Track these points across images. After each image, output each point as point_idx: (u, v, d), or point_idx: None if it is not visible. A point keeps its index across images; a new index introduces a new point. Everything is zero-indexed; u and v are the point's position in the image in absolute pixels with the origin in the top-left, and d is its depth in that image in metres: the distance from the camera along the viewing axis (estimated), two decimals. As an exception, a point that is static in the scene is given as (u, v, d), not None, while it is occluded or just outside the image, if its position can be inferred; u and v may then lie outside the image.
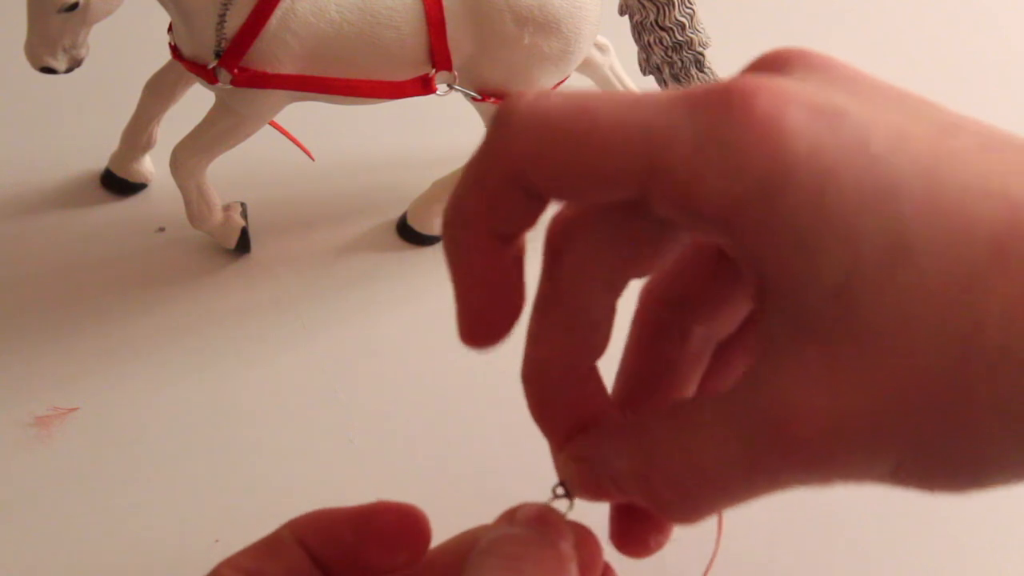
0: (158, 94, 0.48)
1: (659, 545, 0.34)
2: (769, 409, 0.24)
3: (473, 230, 0.28)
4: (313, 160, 0.50)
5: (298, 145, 0.49)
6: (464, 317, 0.29)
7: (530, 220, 0.28)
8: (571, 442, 0.30)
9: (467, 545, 0.33)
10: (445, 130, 0.53)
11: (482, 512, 0.42)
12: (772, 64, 0.27)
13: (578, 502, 0.31)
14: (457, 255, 0.28)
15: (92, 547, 0.41)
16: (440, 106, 0.46)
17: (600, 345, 0.29)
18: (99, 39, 0.42)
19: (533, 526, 0.31)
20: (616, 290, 0.29)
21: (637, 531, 0.34)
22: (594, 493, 0.30)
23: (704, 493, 0.26)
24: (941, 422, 0.23)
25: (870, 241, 0.23)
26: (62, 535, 0.41)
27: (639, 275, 0.29)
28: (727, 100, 0.23)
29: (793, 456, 0.24)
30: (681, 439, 0.26)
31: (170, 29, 0.43)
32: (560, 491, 0.31)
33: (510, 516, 0.32)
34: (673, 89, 0.45)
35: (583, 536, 0.31)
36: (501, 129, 0.25)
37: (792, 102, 0.23)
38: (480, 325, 0.30)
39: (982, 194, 0.23)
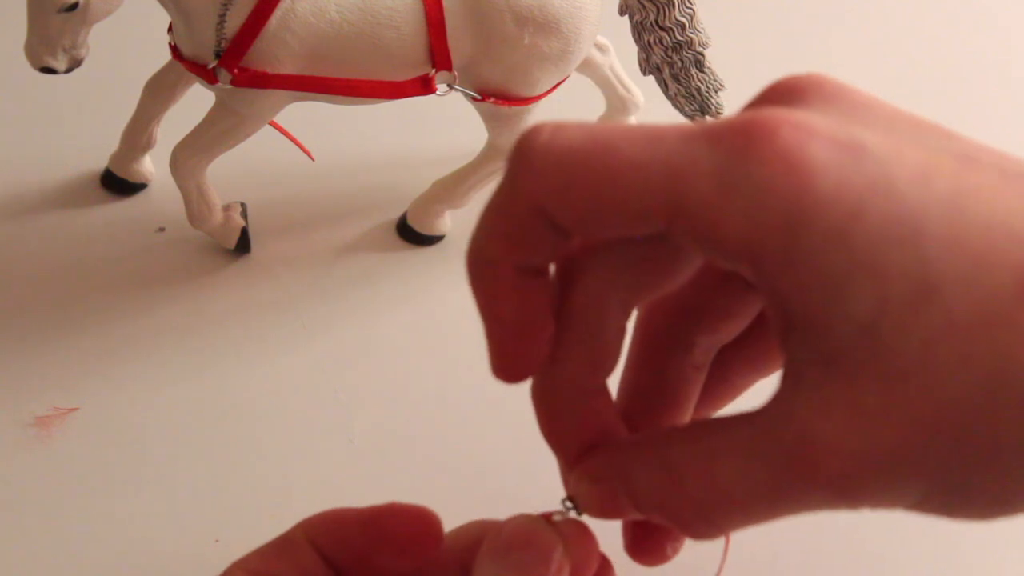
0: (158, 94, 0.48)
1: (676, 552, 0.34)
2: (795, 442, 0.25)
3: (498, 266, 0.28)
4: (313, 160, 0.50)
5: (298, 145, 0.49)
6: (495, 352, 0.29)
7: (554, 253, 0.28)
8: (585, 461, 0.30)
9: (471, 539, 0.33)
10: (445, 130, 0.53)
11: (482, 512, 0.42)
12: (786, 94, 0.27)
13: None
14: (483, 291, 0.28)
15: (92, 547, 0.41)
16: (440, 106, 0.46)
17: (611, 364, 0.30)
18: (99, 39, 0.42)
19: (522, 550, 0.30)
20: (628, 310, 0.29)
21: (653, 542, 0.34)
22: (609, 512, 0.30)
23: (727, 515, 0.27)
24: (967, 458, 0.24)
25: (897, 279, 0.23)
26: (62, 535, 0.41)
27: (652, 296, 0.30)
28: (748, 135, 0.23)
29: (818, 488, 0.25)
30: (705, 462, 0.26)
31: (170, 29, 0.43)
32: (569, 505, 0.31)
33: (499, 531, 0.31)
34: (674, 89, 0.46)
35: (575, 533, 0.31)
36: (522, 165, 0.25)
37: (814, 136, 0.24)
38: (511, 360, 0.30)
39: (1006, 234, 0.23)
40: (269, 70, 0.42)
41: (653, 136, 0.25)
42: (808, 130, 0.24)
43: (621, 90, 0.52)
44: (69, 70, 0.41)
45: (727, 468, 0.26)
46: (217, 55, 0.41)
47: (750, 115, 0.24)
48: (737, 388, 0.35)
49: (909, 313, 0.23)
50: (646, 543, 0.34)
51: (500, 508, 0.42)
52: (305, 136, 0.49)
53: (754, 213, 0.23)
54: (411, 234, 0.50)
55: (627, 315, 0.29)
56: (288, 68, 0.42)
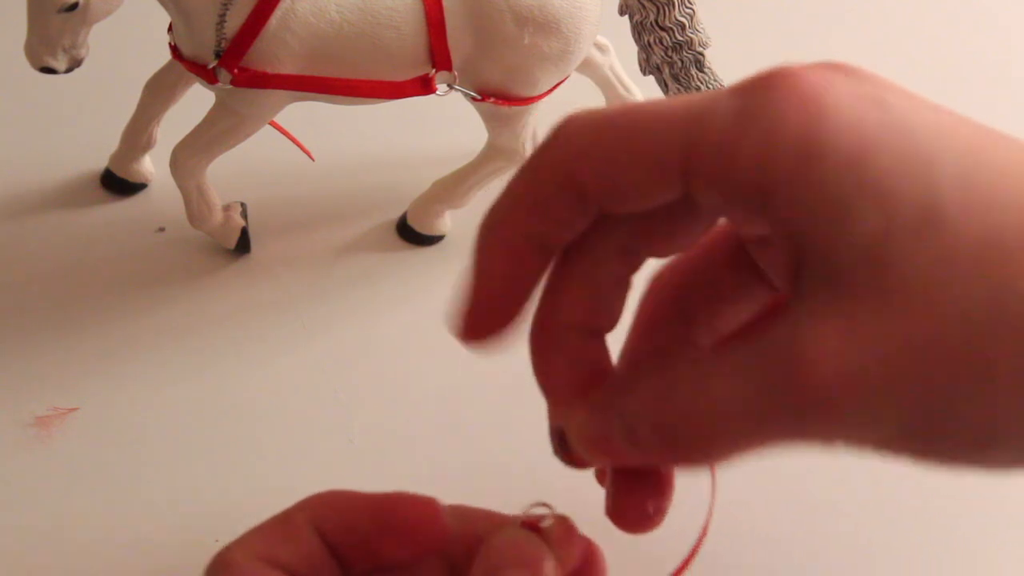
0: (158, 94, 0.48)
1: (659, 515, 0.34)
2: (789, 361, 0.25)
3: (511, 227, 0.29)
4: (313, 160, 0.50)
5: (298, 145, 0.49)
6: (472, 307, 0.30)
7: (572, 231, 0.29)
8: (581, 397, 0.30)
9: (469, 531, 0.32)
10: (445, 130, 0.53)
11: (481, 503, 0.42)
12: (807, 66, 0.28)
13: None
14: (486, 250, 0.29)
15: (92, 547, 0.41)
16: (440, 106, 0.46)
17: (611, 316, 0.30)
18: (99, 39, 0.42)
19: (513, 569, 0.30)
20: (632, 264, 0.30)
21: (635, 500, 0.34)
22: (601, 447, 0.30)
23: (718, 435, 0.27)
24: (957, 380, 0.24)
25: (904, 205, 0.24)
26: (62, 535, 0.41)
27: (657, 254, 0.30)
28: (769, 80, 0.25)
29: (806, 399, 0.25)
30: (700, 380, 0.27)
31: (170, 29, 0.43)
32: (540, 510, 0.31)
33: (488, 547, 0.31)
34: (674, 89, 0.45)
35: (560, 531, 0.31)
36: (556, 132, 0.27)
37: (835, 84, 0.25)
38: (481, 319, 0.30)
39: (1017, 180, 0.24)
40: (269, 70, 0.42)
41: (680, 98, 0.26)
42: (829, 79, 0.25)
43: (621, 90, 0.52)
44: (69, 70, 0.41)
45: (721, 385, 0.26)
46: (217, 55, 0.41)
47: (771, 69, 0.25)
48: None
49: (914, 237, 0.24)
50: (628, 502, 0.33)
51: (500, 508, 0.42)
52: (305, 136, 0.50)
53: (768, 141, 0.24)
54: (411, 234, 0.50)
55: (631, 268, 0.30)
56: (288, 68, 0.42)
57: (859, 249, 0.24)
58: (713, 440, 0.27)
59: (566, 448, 0.32)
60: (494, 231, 0.29)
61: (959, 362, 0.24)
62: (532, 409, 0.45)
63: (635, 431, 0.29)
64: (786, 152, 0.24)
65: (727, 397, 0.26)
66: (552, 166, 0.28)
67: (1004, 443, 0.25)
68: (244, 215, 0.49)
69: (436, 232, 0.50)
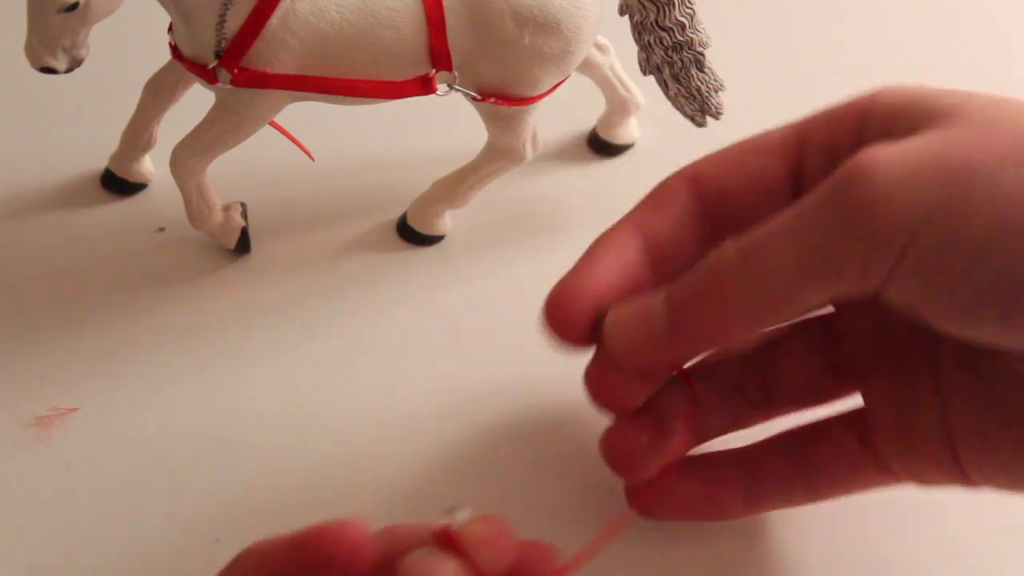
0: (158, 94, 0.48)
1: (654, 455, 0.36)
2: (850, 167, 0.29)
3: (626, 219, 0.36)
4: (313, 160, 0.50)
5: (298, 145, 0.49)
6: (564, 283, 0.35)
7: (682, 233, 0.35)
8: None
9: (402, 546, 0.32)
10: (445, 130, 0.53)
11: (482, 512, 0.42)
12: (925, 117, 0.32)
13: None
14: (603, 235, 0.36)
15: (92, 547, 0.41)
16: (440, 106, 0.46)
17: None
18: (99, 39, 0.42)
19: None
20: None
21: (633, 433, 0.36)
22: (637, 325, 0.34)
23: (769, 275, 0.30)
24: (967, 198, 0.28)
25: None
26: (62, 535, 0.41)
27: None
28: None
29: (867, 196, 0.28)
30: (757, 234, 0.31)
31: (170, 29, 0.43)
32: (459, 516, 0.31)
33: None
34: (674, 89, 0.46)
35: (480, 532, 0.31)
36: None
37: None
38: (571, 295, 0.35)
39: None
40: (269, 70, 0.42)
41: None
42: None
43: (621, 90, 0.52)
44: (69, 70, 0.41)
45: (777, 227, 0.30)
46: (217, 55, 0.41)
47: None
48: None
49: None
50: (624, 434, 0.37)
51: (500, 508, 0.42)
52: (305, 136, 0.49)
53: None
54: (411, 234, 0.50)
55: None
56: (288, 68, 0.42)
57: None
58: (764, 285, 0.30)
59: (597, 337, 0.35)
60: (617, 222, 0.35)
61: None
62: (533, 409, 0.45)
63: (674, 299, 0.32)
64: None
65: (781, 231, 0.30)
66: (681, 173, 0.36)
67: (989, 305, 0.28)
68: (244, 215, 0.49)
69: (436, 232, 0.50)
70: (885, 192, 0.28)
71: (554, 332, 0.36)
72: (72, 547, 0.41)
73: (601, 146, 0.54)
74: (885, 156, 0.28)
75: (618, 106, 0.52)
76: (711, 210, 0.36)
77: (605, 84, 0.52)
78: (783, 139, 0.35)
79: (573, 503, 0.42)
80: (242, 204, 0.49)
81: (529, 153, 0.48)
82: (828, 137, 0.34)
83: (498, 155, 0.47)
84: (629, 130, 0.54)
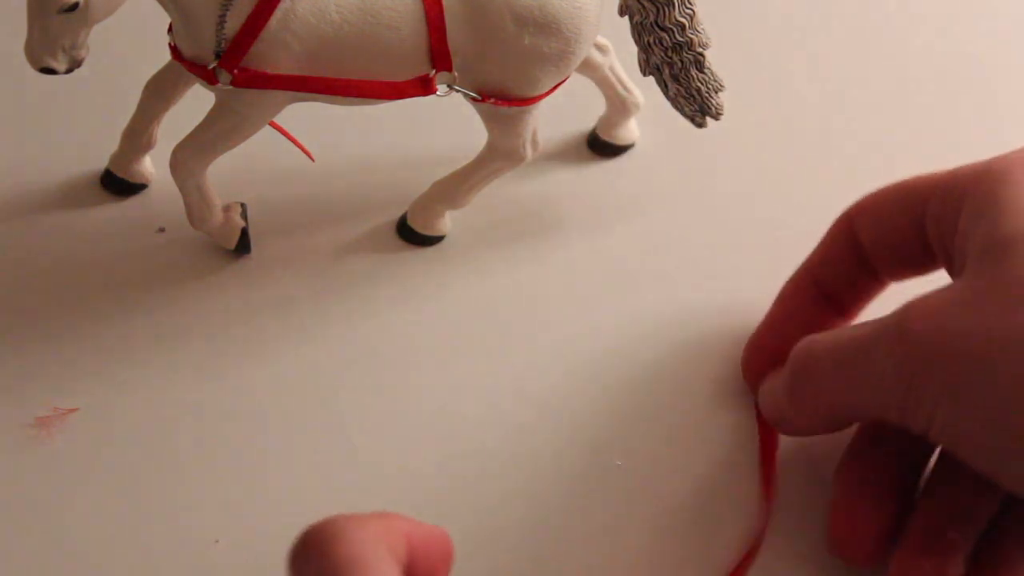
0: (158, 94, 0.48)
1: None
2: (903, 309, 0.36)
3: (803, 269, 0.44)
4: (313, 160, 0.50)
5: (298, 146, 0.49)
6: (754, 340, 0.45)
7: (855, 291, 0.43)
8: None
9: None
10: (445, 130, 0.53)
11: (481, 512, 0.42)
12: None
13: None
14: (785, 286, 0.45)
15: (92, 547, 0.41)
16: (440, 106, 0.46)
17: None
18: (100, 39, 0.42)
19: None
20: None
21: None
22: (766, 400, 0.43)
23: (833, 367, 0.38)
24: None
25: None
26: (62, 535, 0.41)
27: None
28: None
29: (904, 335, 0.35)
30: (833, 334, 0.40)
31: (170, 29, 0.43)
32: None
33: None
34: (674, 90, 0.47)
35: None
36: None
37: None
38: (760, 348, 0.45)
39: None
40: (269, 70, 0.42)
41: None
42: None
43: (621, 90, 0.52)
44: (69, 70, 0.41)
45: (849, 333, 0.39)
46: (217, 56, 0.41)
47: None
48: None
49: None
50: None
51: (499, 507, 0.43)
52: (304, 137, 0.49)
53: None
54: (411, 234, 0.50)
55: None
56: (288, 68, 0.42)
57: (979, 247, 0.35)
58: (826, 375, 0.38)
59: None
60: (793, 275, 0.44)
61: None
62: (532, 410, 0.45)
63: (786, 383, 0.40)
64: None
65: (848, 342, 0.37)
66: (839, 224, 0.43)
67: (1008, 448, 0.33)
68: (244, 215, 0.49)
69: (436, 232, 0.50)
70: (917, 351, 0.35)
71: (750, 384, 0.45)
72: (72, 547, 0.41)
73: (601, 146, 0.54)
74: (921, 314, 0.35)
75: (618, 106, 0.52)
76: (862, 244, 0.43)
77: (605, 84, 0.52)
78: (919, 197, 0.40)
79: (575, 504, 0.43)
80: (242, 205, 0.49)
81: (529, 154, 0.48)
82: (940, 210, 0.39)
83: (498, 156, 0.48)
84: (629, 130, 0.54)
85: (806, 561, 0.41)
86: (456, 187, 0.49)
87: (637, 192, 0.53)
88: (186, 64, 0.43)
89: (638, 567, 0.41)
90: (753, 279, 0.48)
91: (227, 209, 0.48)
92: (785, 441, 0.44)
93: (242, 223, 0.48)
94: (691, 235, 0.51)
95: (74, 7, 0.38)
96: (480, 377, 0.46)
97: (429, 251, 0.51)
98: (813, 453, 0.44)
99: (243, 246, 0.49)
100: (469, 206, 0.50)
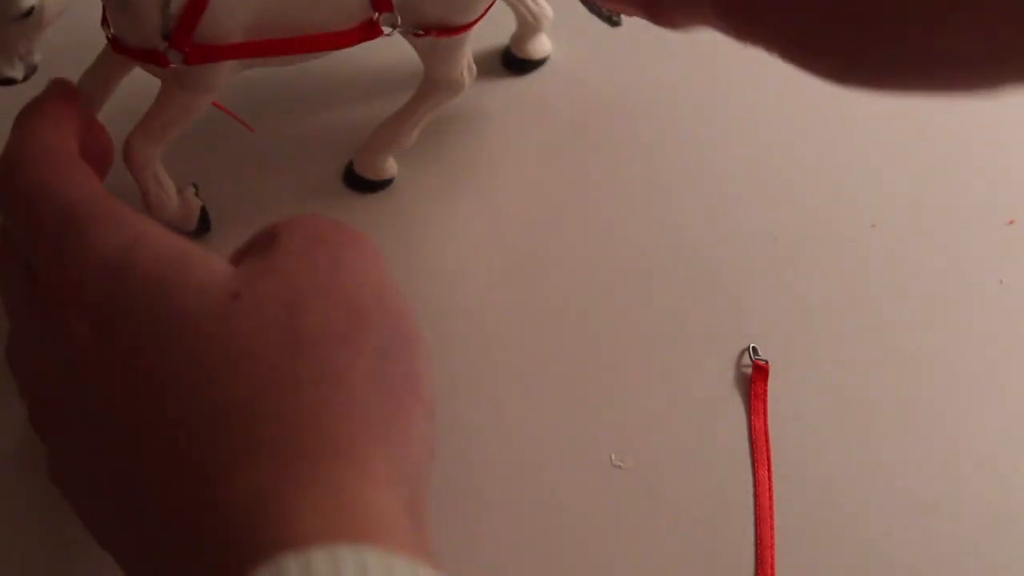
0: (93, 92, 0.46)
1: None
2: None
3: None
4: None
5: (237, 119, 0.49)
6: None
7: None
8: None
9: None
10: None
11: (479, 505, 0.43)
12: None
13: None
14: None
15: (92, 547, 0.41)
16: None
17: None
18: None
19: None
20: None
21: None
22: None
23: None
24: None
25: None
26: (62, 535, 0.42)
27: None
28: None
29: None
30: None
31: (104, 23, 0.43)
32: None
33: None
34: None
35: None
36: None
37: None
38: None
39: None
40: (220, 42, 0.42)
41: None
42: None
43: (531, 4, 0.53)
44: (26, 78, 0.40)
45: None
46: (166, 37, 0.41)
47: None
48: None
49: None
50: None
51: (498, 502, 0.44)
52: (238, 109, 0.50)
53: None
54: (361, 183, 0.51)
55: None
56: (237, 36, 0.42)
57: None
58: None
59: None
60: None
61: None
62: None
63: None
64: None
65: None
66: None
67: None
68: (197, 195, 0.49)
69: (385, 176, 0.51)
70: None
71: None
72: (72, 547, 0.41)
73: (516, 63, 0.56)
74: None
75: (530, 22, 0.54)
76: None
77: (515, 1, 0.53)
78: None
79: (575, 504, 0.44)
80: (193, 185, 0.49)
81: (467, 81, 0.49)
82: None
83: (438, 88, 0.49)
84: (542, 45, 0.55)
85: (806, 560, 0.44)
86: (399, 127, 0.50)
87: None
88: (132, 53, 0.42)
89: (638, 567, 0.43)
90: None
91: (181, 192, 0.48)
92: (785, 440, 0.46)
93: (199, 202, 0.49)
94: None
95: (29, 12, 0.38)
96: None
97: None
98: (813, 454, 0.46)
99: (204, 226, 0.49)
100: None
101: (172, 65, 0.42)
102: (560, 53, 0.56)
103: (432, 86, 0.49)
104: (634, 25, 0.49)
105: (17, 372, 0.38)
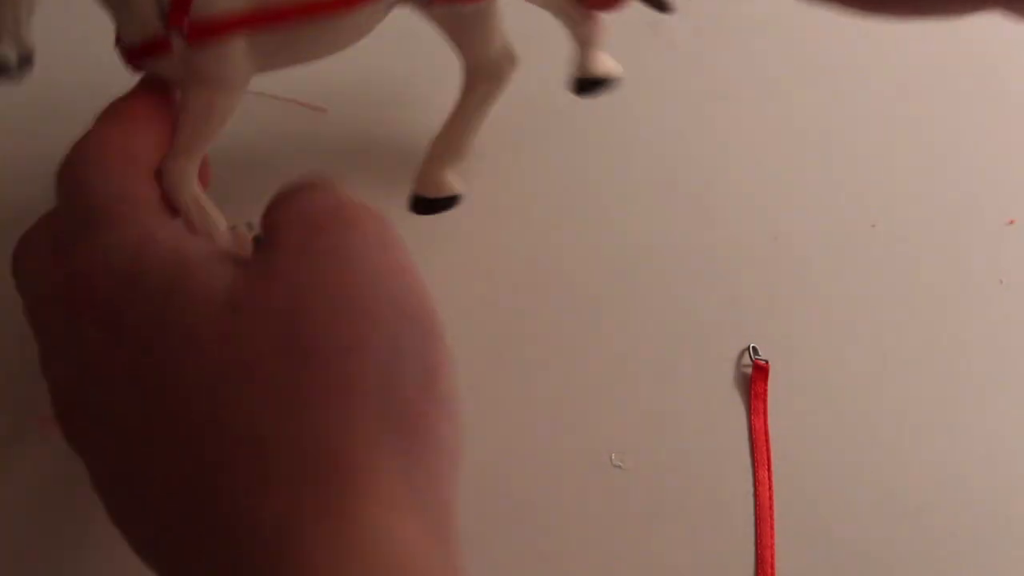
0: None
1: None
2: None
3: None
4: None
5: (304, 104, 0.48)
6: None
7: None
8: None
9: None
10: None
11: (478, 505, 0.42)
12: None
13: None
14: None
15: (92, 547, 0.42)
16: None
17: None
18: (90, 43, 0.40)
19: None
20: None
21: None
22: None
23: None
24: None
25: None
26: (62, 535, 0.42)
27: None
28: None
29: None
30: None
31: (117, 42, 0.41)
32: None
33: None
34: None
35: None
36: None
37: None
38: None
39: None
40: (219, 16, 0.39)
41: None
42: None
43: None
44: (21, 64, 0.38)
45: None
46: (164, 19, 0.39)
47: None
48: None
49: None
50: None
51: (498, 502, 0.44)
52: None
53: None
54: (427, 205, 0.47)
55: None
56: (236, 7, 0.39)
57: None
58: None
59: None
60: None
61: None
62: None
63: None
64: None
65: None
66: None
67: None
68: (250, 228, 0.44)
69: (447, 193, 0.47)
70: None
71: None
72: (72, 548, 0.41)
73: (587, 85, 0.50)
74: None
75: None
76: None
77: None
78: None
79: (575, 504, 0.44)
80: (248, 224, 0.44)
81: (508, 63, 0.45)
82: None
83: (480, 78, 0.45)
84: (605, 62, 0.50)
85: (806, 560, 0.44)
86: (456, 135, 0.46)
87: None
88: (139, 53, 0.40)
89: (638, 567, 0.43)
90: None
91: (233, 228, 0.43)
92: (785, 440, 0.46)
93: (251, 235, 0.43)
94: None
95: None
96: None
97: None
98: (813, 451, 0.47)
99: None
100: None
101: (176, 51, 0.39)
102: (560, 53, 0.55)
103: (472, 77, 0.46)
104: (634, 23, 0.49)
105: (46, 375, 0.37)
